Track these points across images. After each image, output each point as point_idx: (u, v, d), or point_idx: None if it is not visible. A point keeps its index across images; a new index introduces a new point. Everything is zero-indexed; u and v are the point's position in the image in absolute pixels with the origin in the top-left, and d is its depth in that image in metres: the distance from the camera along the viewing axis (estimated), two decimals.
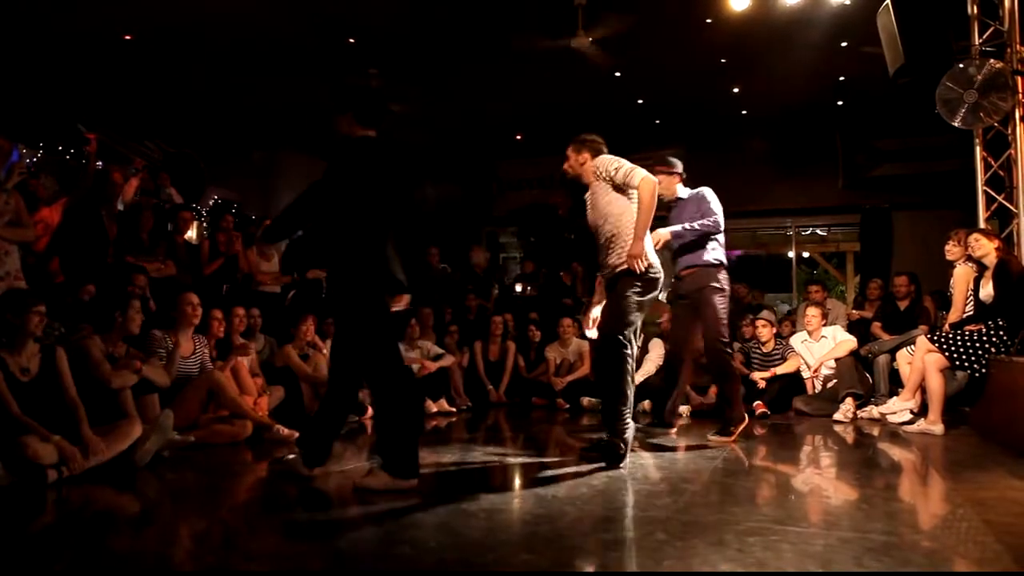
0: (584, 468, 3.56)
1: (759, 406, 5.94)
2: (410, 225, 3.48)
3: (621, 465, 3.58)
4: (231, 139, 10.36)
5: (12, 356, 3.50)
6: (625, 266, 3.77)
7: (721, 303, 4.57)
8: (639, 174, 3.79)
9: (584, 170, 4.01)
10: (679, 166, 4.88)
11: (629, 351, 3.71)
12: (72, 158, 8.14)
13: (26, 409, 3.40)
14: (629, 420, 3.69)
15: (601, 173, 3.91)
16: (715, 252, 4.63)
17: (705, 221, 4.56)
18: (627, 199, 3.84)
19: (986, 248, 4.89)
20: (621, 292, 3.77)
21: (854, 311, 7.38)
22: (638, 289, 3.77)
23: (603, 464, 3.60)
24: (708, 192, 4.76)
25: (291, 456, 3.41)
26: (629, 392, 3.70)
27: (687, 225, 4.61)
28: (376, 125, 3.33)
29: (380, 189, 3.20)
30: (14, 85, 7.74)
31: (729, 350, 4.68)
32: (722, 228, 4.63)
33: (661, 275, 3.88)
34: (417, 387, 6.39)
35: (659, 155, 4.72)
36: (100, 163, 6.59)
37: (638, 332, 3.95)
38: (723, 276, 4.62)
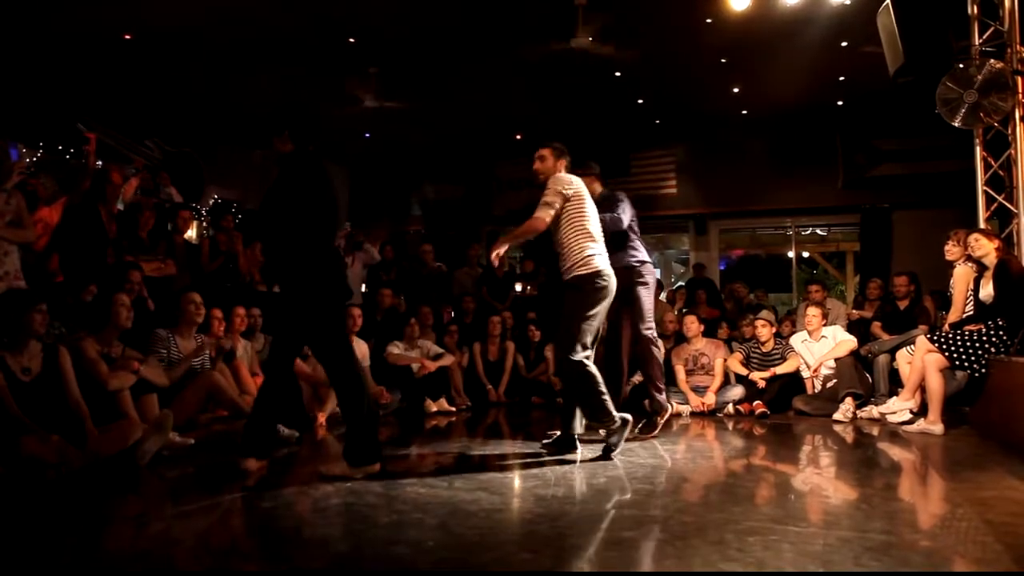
0: (584, 467, 3.56)
1: (759, 406, 5.95)
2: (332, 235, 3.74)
3: (613, 455, 3.83)
4: (231, 138, 10.37)
5: (14, 356, 3.50)
6: (569, 277, 4.00)
7: (646, 295, 4.85)
8: (541, 208, 4.03)
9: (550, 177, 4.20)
10: (596, 168, 5.02)
11: (587, 364, 3.88)
12: (72, 158, 8.14)
13: (27, 409, 3.40)
14: (614, 414, 3.84)
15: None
16: (636, 253, 4.88)
17: (603, 216, 4.68)
18: (561, 217, 4.05)
19: (986, 248, 4.89)
20: (568, 308, 3.94)
21: (854, 311, 7.38)
22: (586, 299, 3.92)
23: (603, 462, 3.61)
24: (620, 195, 4.96)
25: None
26: (603, 393, 3.86)
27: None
28: (310, 143, 3.61)
29: (320, 200, 3.49)
30: (14, 84, 7.74)
31: (657, 341, 4.99)
32: (621, 227, 4.78)
33: (610, 282, 4.00)
34: (418, 386, 6.42)
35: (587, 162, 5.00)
36: (100, 163, 6.58)
37: (599, 334, 4.13)
38: (646, 271, 4.89)
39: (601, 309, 3.99)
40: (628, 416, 3.89)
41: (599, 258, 4.01)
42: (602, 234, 4.20)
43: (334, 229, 3.66)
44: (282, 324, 3.56)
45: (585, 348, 3.90)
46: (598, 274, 3.95)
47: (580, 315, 3.89)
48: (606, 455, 3.84)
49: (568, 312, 3.93)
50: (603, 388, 3.86)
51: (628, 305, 4.83)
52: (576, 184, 4.10)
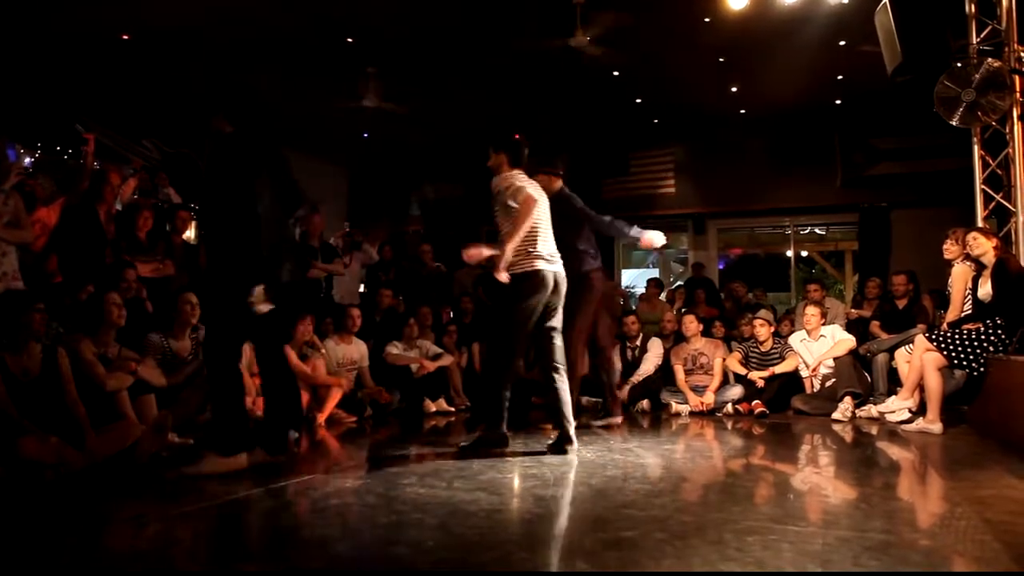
0: (583, 468, 3.56)
1: (758, 405, 5.95)
2: (285, 215, 3.64)
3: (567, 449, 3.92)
4: None
5: (13, 357, 3.50)
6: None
7: (588, 302, 4.97)
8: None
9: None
10: (560, 168, 5.21)
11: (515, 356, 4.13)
12: (70, 158, 8.13)
13: (26, 410, 3.40)
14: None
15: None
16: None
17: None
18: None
19: (984, 247, 4.89)
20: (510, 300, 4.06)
21: (852, 310, 7.39)
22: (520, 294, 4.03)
23: (603, 462, 3.61)
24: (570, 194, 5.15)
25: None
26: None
27: None
28: (244, 123, 3.51)
29: (249, 182, 3.38)
30: (12, 85, 7.73)
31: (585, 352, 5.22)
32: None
33: (543, 276, 4.05)
34: (417, 386, 6.42)
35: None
36: (98, 163, 6.57)
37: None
38: (595, 276, 5.06)
39: (537, 302, 4.06)
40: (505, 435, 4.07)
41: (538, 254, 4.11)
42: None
43: (263, 214, 3.39)
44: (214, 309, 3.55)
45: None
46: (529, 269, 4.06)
47: (518, 306, 4.03)
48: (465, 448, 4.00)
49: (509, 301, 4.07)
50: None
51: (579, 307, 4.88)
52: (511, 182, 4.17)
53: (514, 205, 4.03)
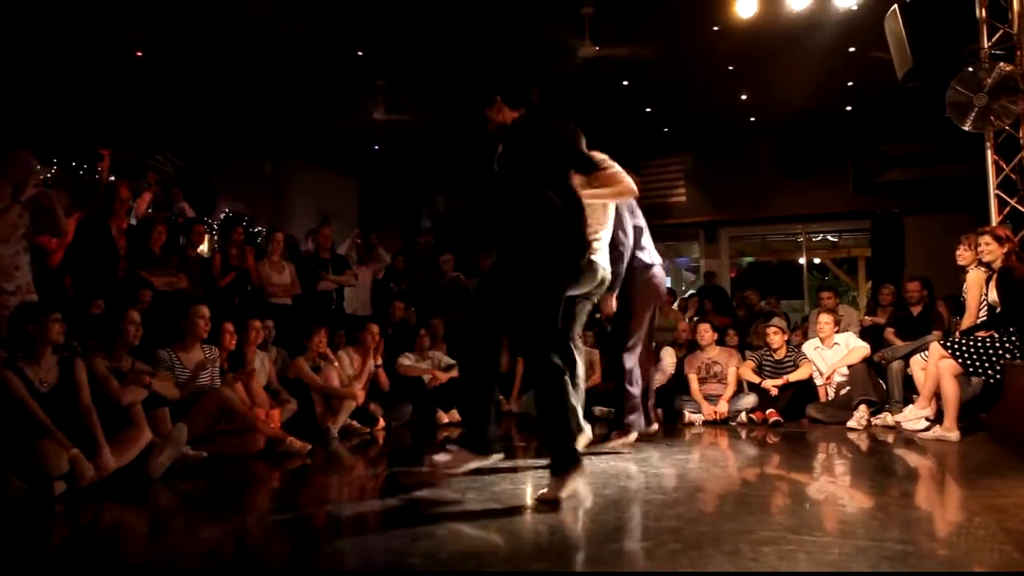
0: (596, 478, 3.54)
1: (772, 414, 5.91)
2: None
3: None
4: (241, 152, 10.45)
5: (31, 367, 3.52)
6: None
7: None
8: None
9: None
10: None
11: None
12: (86, 174, 8.22)
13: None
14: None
15: None
16: None
17: None
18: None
19: (995, 253, 4.83)
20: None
21: (866, 317, 7.33)
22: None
23: (617, 472, 3.60)
24: None
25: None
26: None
27: None
28: (528, 103, 3.28)
29: (552, 166, 3.13)
30: (28, 101, 7.84)
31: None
32: None
33: None
34: (429, 397, 6.43)
35: None
36: (112, 178, 6.65)
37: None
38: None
39: None
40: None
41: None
42: None
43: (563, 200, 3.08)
44: None
45: None
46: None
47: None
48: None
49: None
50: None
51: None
52: None
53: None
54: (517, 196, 3.07)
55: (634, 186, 4.02)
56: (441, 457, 3.23)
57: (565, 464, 2.90)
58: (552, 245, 3.00)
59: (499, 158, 3.15)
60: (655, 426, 5.05)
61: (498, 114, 3.23)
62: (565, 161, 3.12)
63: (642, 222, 4.66)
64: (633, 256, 4.52)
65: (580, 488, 2.99)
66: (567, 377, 2.96)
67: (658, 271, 4.72)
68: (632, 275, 4.50)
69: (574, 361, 3.82)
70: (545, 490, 2.92)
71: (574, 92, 8.68)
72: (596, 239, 3.80)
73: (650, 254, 4.65)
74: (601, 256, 3.87)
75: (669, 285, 10.62)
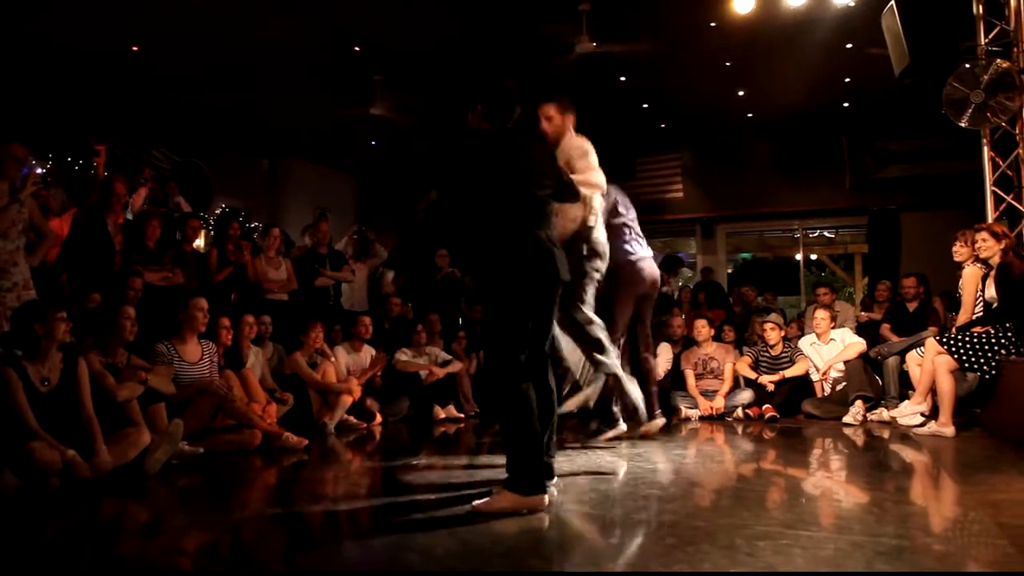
0: (592, 474, 3.55)
1: (768, 409, 5.92)
2: None
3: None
4: (237, 147, 10.42)
5: (34, 366, 3.51)
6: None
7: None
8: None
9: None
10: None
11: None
12: (81, 169, 8.19)
13: (44, 419, 3.40)
14: None
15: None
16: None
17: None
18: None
19: (992, 250, 4.84)
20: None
21: (863, 313, 7.35)
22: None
23: (612, 467, 3.60)
24: None
25: None
26: None
27: None
28: (501, 121, 3.19)
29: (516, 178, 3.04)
30: (23, 97, 7.80)
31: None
32: None
33: None
34: (427, 393, 6.43)
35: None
36: (107, 173, 6.62)
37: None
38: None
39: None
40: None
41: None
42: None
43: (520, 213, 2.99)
44: None
45: None
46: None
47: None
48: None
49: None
50: None
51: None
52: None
53: None
54: (470, 210, 3.01)
55: (602, 183, 4.08)
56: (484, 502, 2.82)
57: (523, 486, 2.73)
58: (499, 260, 2.90)
59: (462, 165, 3.11)
60: (660, 421, 4.87)
61: (476, 121, 3.18)
62: (524, 179, 3.04)
63: (630, 217, 4.70)
64: (620, 250, 4.58)
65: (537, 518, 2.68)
66: (532, 404, 2.81)
67: (647, 264, 4.73)
68: (618, 269, 4.54)
69: (553, 362, 3.46)
70: (487, 499, 2.75)
71: (571, 88, 8.67)
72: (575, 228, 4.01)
73: (638, 247, 4.68)
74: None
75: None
